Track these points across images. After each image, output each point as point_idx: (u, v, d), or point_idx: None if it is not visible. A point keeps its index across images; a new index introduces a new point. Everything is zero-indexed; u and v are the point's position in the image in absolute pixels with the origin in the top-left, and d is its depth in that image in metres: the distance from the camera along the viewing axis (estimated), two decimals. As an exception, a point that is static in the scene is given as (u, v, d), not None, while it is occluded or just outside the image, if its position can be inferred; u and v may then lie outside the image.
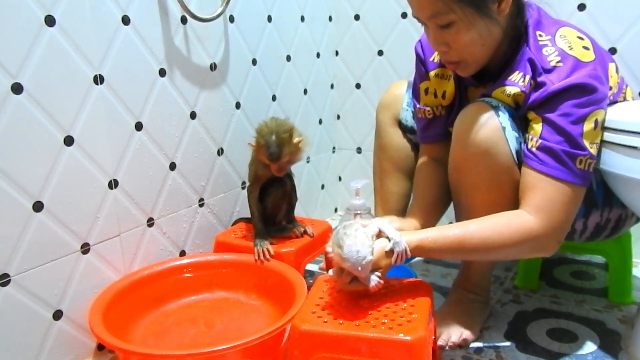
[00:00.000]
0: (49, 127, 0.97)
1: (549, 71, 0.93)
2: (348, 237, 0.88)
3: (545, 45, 0.95)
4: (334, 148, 1.83)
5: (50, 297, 1.00)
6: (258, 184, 1.23)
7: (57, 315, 1.02)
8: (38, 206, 0.97)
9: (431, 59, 1.13)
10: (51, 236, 1.00)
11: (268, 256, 1.17)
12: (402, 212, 1.33)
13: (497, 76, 1.00)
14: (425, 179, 1.15)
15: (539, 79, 0.93)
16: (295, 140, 1.17)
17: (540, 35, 0.96)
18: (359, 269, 0.87)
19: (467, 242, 0.94)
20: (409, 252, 0.92)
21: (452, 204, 1.13)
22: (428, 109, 1.15)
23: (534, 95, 0.93)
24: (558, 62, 0.93)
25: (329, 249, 0.93)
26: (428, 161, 1.17)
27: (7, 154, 0.91)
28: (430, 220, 1.09)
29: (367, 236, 0.89)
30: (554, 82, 0.91)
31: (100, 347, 1.10)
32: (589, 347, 1.08)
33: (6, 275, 0.93)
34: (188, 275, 1.21)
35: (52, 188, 0.99)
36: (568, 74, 0.91)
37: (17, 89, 0.91)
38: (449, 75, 1.10)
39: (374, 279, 0.91)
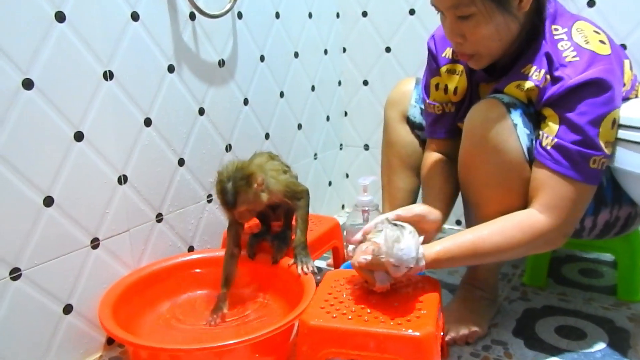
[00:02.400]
0: (59, 123, 0.98)
1: (565, 66, 0.92)
2: (405, 238, 0.88)
3: (561, 40, 0.94)
4: (341, 145, 1.83)
5: (60, 292, 1.01)
6: (232, 227, 1.15)
7: (67, 309, 1.03)
8: (48, 201, 0.97)
9: (443, 55, 1.13)
10: (61, 231, 1.00)
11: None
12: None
13: (508, 70, 1.00)
14: (435, 172, 1.15)
15: (556, 74, 0.92)
16: (254, 186, 1.05)
17: (555, 29, 0.96)
18: (404, 269, 0.88)
19: (481, 249, 0.94)
20: (423, 269, 0.92)
21: (458, 201, 1.13)
22: (437, 104, 1.15)
23: (551, 90, 0.93)
24: (574, 57, 0.92)
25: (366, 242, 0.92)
26: (436, 156, 1.17)
27: (18, 149, 0.92)
28: (447, 213, 1.09)
29: (418, 242, 0.90)
30: (571, 77, 0.91)
31: (110, 342, 1.11)
32: (598, 344, 1.07)
33: (17, 269, 0.94)
34: (196, 270, 1.21)
35: (62, 183, 0.99)
36: (585, 68, 0.90)
37: (27, 84, 0.92)
38: (461, 70, 1.10)
39: (385, 278, 0.91)
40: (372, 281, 0.91)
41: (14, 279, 0.93)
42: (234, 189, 1.03)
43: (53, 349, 1.01)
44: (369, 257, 0.89)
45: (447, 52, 1.12)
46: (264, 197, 1.07)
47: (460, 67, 1.10)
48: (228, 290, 1.13)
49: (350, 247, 0.96)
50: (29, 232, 0.95)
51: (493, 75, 1.05)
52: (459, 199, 1.11)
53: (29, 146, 0.93)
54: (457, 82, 1.11)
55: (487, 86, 1.06)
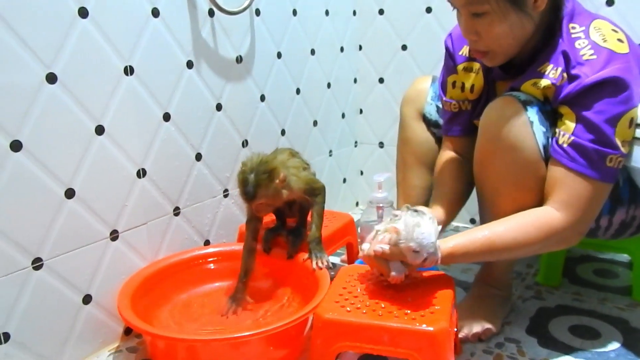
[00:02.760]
0: (81, 117, 1.00)
1: (582, 64, 0.92)
2: (425, 223, 0.88)
3: (578, 38, 0.94)
4: (356, 142, 1.84)
5: (80, 282, 1.03)
6: (251, 221, 1.17)
7: (87, 299, 1.05)
8: (70, 193, 0.99)
9: (460, 53, 1.13)
10: (81, 223, 1.02)
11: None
12: (423, 203, 1.34)
13: (525, 68, 1.00)
14: (448, 171, 1.16)
15: (573, 72, 0.92)
16: (276, 182, 1.06)
17: (573, 28, 0.96)
18: (424, 254, 0.88)
19: (496, 245, 0.94)
20: (439, 261, 0.92)
21: (469, 198, 1.14)
22: (454, 102, 1.15)
23: (568, 88, 0.93)
24: (591, 55, 0.92)
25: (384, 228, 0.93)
26: (450, 154, 1.18)
27: (41, 141, 0.94)
28: (453, 212, 1.10)
29: (437, 229, 0.90)
30: (588, 75, 0.91)
31: (128, 332, 1.13)
32: (612, 344, 1.07)
33: (39, 259, 0.96)
34: (212, 264, 1.23)
35: (83, 176, 1.01)
36: (602, 66, 0.90)
37: (51, 78, 0.94)
38: (478, 68, 1.10)
39: (401, 269, 0.91)
40: (387, 272, 0.92)
41: (36, 268, 0.96)
42: (256, 181, 1.04)
43: (73, 337, 1.03)
44: (387, 247, 0.90)
45: (464, 50, 1.12)
46: (284, 193, 1.09)
47: (477, 65, 1.10)
48: (246, 282, 1.15)
49: (365, 245, 0.96)
50: (50, 223, 0.97)
51: (510, 73, 1.05)
52: (473, 197, 1.11)
53: (52, 139, 0.96)
54: (473, 79, 1.11)
55: (504, 84, 1.06)
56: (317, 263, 1.11)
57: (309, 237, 1.15)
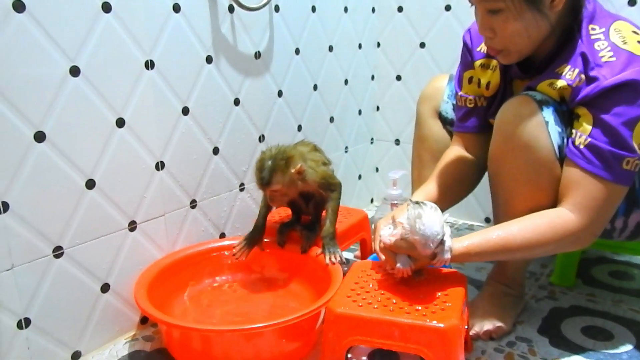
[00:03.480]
0: (102, 109, 1.02)
1: (601, 66, 0.92)
2: (427, 214, 0.89)
3: (598, 40, 0.94)
4: (372, 139, 1.84)
5: (98, 271, 1.06)
6: (265, 206, 1.20)
7: (105, 288, 1.07)
8: (90, 184, 1.02)
9: (478, 49, 1.13)
10: (101, 213, 1.05)
11: (241, 256, 1.19)
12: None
13: (543, 68, 1.00)
14: (450, 170, 1.15)
15: (591, 74, 0.92)
16: (292, 170, 1.08)
17: (593, 29, 0.95)
18: (430, 245, 0.88)
19: (510, 245, 0.95)
20: (447, 261, 0.93)
21: (484, 197, 1.14)
22: (470, 97, 1.15)
23: (586, 90, 0.92)
24: (610, 57, 0.91)
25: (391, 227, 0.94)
26: (457, 152, 1.18)
27: (63, 133, 0.96)
28: (442, 202, 1.09)
29: (441, 218, 0.91)
30: (607, 77, 0.90)
31: (144, 321, 1.16)
32: (625, 346, 1.07)
33: (60, 247, 0.98)
34: (227, 256, 1.25)
35: (104, 167, 1.03)
36: (622, 69, 0.90)
37: (74, 71, 0.96)
38: (495, 66, 1.10)
39: (406, 262, 0.92)
40: (392, 264, 0.93)
41: (57, 256, 0.98)
42: (272, 167, 1.06)
43: (91, 324, 1.06)
44: (392, 239, 0.91)
45: (482, 47, 1.12)
46: (299, 184, 1.10)
47: (494, 62, 1.10)
48: (263, 226, 1.20)
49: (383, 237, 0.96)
50: (71, 213, 1.00)
51: (528, 73, 1.05)
52: (488, 196, 1.11)
53: (74, 131, 0.98)
54: (490, 77, 1.11)
55: (521, 83, 1.06)
56: (330, 258, 1.12)
57: (322, 232, 1.16)
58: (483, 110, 1.15)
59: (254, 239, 1.19)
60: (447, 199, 1.14)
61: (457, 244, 0.94)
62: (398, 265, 0.92)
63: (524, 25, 0.94)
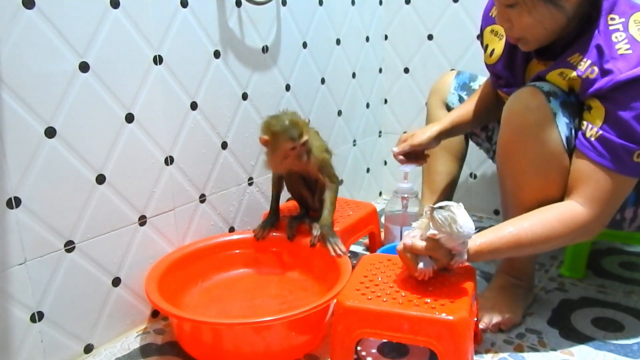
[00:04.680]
0: (111, 105, 1.02)
1: (616, 59, 0.91)
2: (459, 215, 0.88)
3: (616, 31, 0.93)
4: (380, 132, 1.84)
5: (110, 265, 1.07)
6: (278, 189, 1.26)
7: (116, 282, 1.08)
8: (100, 179, 1.03)
9: (490, 14, 1.15)
10: (112, 208, 1.06)
11: (261, 236, 1.23)
12: (447, 190, 1.37)
13: (558, 55, 0.99)
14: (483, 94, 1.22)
15: (606, 66, 0.91)
16: (302, 138, 1.12)
17: (612, 19, 0.94)
18: (462, 242, 0.89)
19: (523, 241, 0.94)
20: (465, 262, 0.93)
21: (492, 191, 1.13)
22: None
23: (600, 83, 0.91)
24: (627, 49, 0.90)
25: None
26: (492, 92, 1.21)
27: (74, 129, 0.97)
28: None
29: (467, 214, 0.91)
30: (622, 71, 0.89)
31: (155, 314, 1.17)
32: (636, 337, 1.06)
33: (71, 242, 0.99)
34: (237, 250, 1.25)
35: (114, 162, 1.04)
36: (637, 63, 0.89)
37: (84, 67, 0.97)
38: (502, 35, 1.11)
39: (429, 263, 0.91)
40: (413, 267, 0.92)
41: (68, 251, 0.99)
42: (293, 121, 1.11)
43: (103, 318, 1.07)
44: (420, 242, 0.90)
45: (493, 11, 1.12)
46: (304, 157, 1.13)
47: (502, 30, 1.10)
48: (277, 207, 1.26)
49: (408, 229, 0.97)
50: (82, 208, 1.01)
51: (544, 56, 1.05)
52: (496, 187, 1.11)
53: (84, 126, 0.99)
54: (496, 44, 1.12)
55: (538, 64, 1.06)
56: (334, 250, 1.13)
57: (320, 221, 1.17)
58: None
59: (270, 221, 1.24)
60: (476, 120, 1.19)
61: (470, 243, 0.93)
62: (420, 266, 0.91)
63: (539, 17, 0.93)
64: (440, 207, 0.89)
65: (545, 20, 0.94)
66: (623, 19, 0.93)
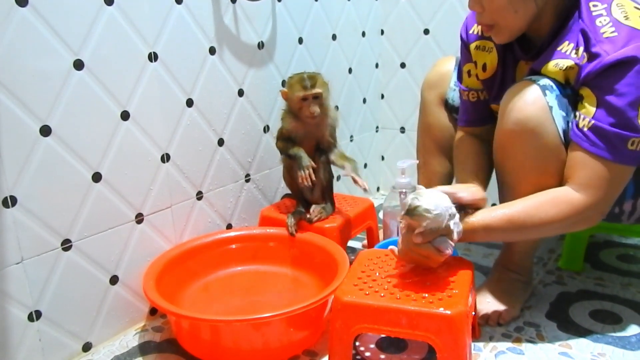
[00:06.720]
0: (107, 102, 1.02)
1: (602, 42, 0.91)
2: (424, 197, 0.90)
3: (600, 15, 0.93)
4: (377, 127, 1.84)
5: (107, 263, 1.07)
6: (285, 137, 1.25)
7: (114, 280, 1.08)
8: (97, 177, 1.02)
9: (471, 31, 1.14)
10: (108, 206, 1.05)
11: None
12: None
13: (545, 48, 0.99)
14: (470, 154, 1.16)
15: (593, 50, 0.91)
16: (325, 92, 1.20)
17: (595, 5, 0.94)
18: (446, 219, 0.89)
19: (515, 220, 0.95)
20: (461, 233, 0.93)
21: (490, 184, 1.13)
22: (473, 92, 1.15)
23: (588, 68, 0.91)
24: (612, 32, 0.90)
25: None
26: (468, 138, 1.18)
27: (69, 127, 0.96)
28: (484, 186, 1.10)
29: (442, 194, 0.92)
30: (609, 53, 0.89)
31: (153, 312, 1.17)
32: (634, 329, 1.07)
33: (68, 240, 0.99)
34: (234, 247, 1.25)
35: (110, 160, 1.04)
36: (624, 44, 0.89)
37: (78, 65, 0.96)
38: (491, 47, 1.10)
39: (445, 242, 0.91)
40: (435, 254, 0.91)
41: (66, 249, 0.99)
42: (311, 74, 1.19)
43: (101, 316, 1.07)
44: (421, 229, 0.90)
45: (475, 28, 1.12)
46: (316, 109, 1.17)
47: (490, 44, 1.10)
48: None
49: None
50: (79, 206, 1.00)
51: (530, 53, 1.04)
52: (493, 182, 1.11)
53: (80, 124, 0.98)
54: (486, 58, 1.11)
55: (526, 65, 1.06)
56: (364, 185, 1.19)
57: (348, 161, 1.24)
58: (487, 103, 1.15)
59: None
60: (484, 184, 1.13)
61: (465, 220, 0.95)
62: (442, 248, 0.91)
63: (509, 0, 0.94)
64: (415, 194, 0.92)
65: (515, 3, 0.95)
66: (605, 5, 0.94)
